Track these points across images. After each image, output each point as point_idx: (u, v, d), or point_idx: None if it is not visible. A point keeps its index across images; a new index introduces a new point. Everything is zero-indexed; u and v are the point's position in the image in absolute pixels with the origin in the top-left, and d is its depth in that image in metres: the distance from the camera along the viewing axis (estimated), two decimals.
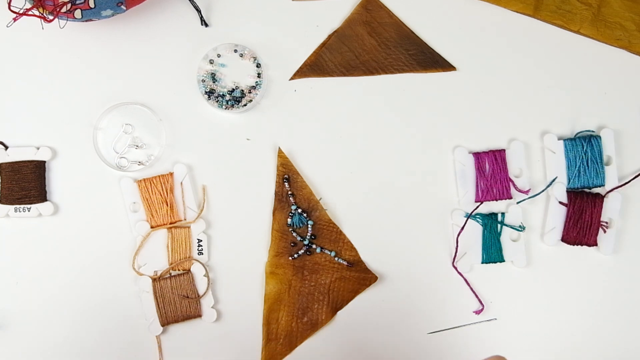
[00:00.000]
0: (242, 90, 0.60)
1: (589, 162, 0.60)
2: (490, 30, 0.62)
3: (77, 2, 0.54)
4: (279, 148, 0.61)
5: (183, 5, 0.62)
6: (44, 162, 0.60)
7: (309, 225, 0.60)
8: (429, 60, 0.62)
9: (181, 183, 0.60)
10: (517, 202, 0.61)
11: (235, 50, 0.61)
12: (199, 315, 0.60)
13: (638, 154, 0.61)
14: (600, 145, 0.60)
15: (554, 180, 0.60)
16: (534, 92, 0.62)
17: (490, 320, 0.60)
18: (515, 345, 0.60)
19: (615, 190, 0.60)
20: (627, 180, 0.60)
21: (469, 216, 0.60)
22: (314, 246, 0.60)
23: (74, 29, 0.61)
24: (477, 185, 0.60)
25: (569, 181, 0.60)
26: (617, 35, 0.61)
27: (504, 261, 0.60)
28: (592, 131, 0.61)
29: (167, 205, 0.59)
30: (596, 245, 0.60)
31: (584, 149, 0.60)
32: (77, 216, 0.60)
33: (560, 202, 0.60)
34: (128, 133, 0.61)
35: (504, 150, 0.61)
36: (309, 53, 0.62)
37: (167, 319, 0.59)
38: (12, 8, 0.53)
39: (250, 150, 0.61)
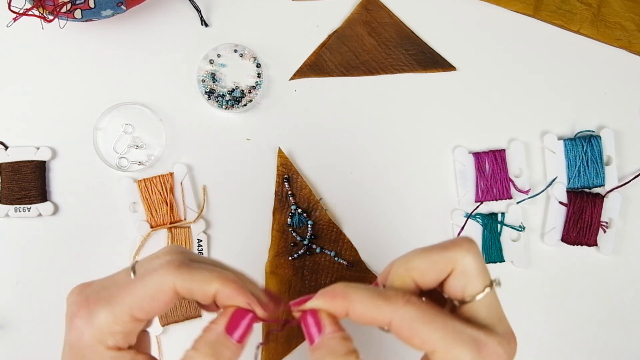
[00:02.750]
0: (242, 90, 0.60)
1: (589, 162, 0.60)
2: (490, 30, 0.62)
3: (77, 2, 0.54)
4: (279, 148, 0.61)
5: (183, 5, 0.62)
6: (44, 162, 0.60)
7: (309, 225, 0.60)
8: (429, 60, 0.62)
9: (181, 183, 0.60)
10: (517, 202, 0.61)
11: (235, 50, 0.61)
12: (199, 315, 0.60)
13: (638, 154, 0.61)
14: (600, 145, 0.60)
15: (554, 180, 0.60)
16: (534, 92, 0.62)
17: None
18: None
19: (615, 190, 0.60)
20: (627, 180, 0.60)
21: (469, 216, 0.60)
22: (314, 246, 0.60)
23: (74, 29, 0.61)
24: (477, 185, 0.60)
25: (569, 181, 0.60)
26: (617, 35, 0.61)
27: (504, 261, 0.60)
28: (592, 131, 0.61)
29: (167, 205, 0.59)
30: (596, 245, 0.60)
31: (584, 149, 0.60)
32: (77, 216, 0.60)
33: (560, 202, 0.60)
34: (128, 133, 0.61)
35: (504, 150, 0.61)
36: (309, 53, 0.62)
37: (167, 319, 0.59)
38: (12, 8, 0.53)
39: (250, 150, 0.61)
